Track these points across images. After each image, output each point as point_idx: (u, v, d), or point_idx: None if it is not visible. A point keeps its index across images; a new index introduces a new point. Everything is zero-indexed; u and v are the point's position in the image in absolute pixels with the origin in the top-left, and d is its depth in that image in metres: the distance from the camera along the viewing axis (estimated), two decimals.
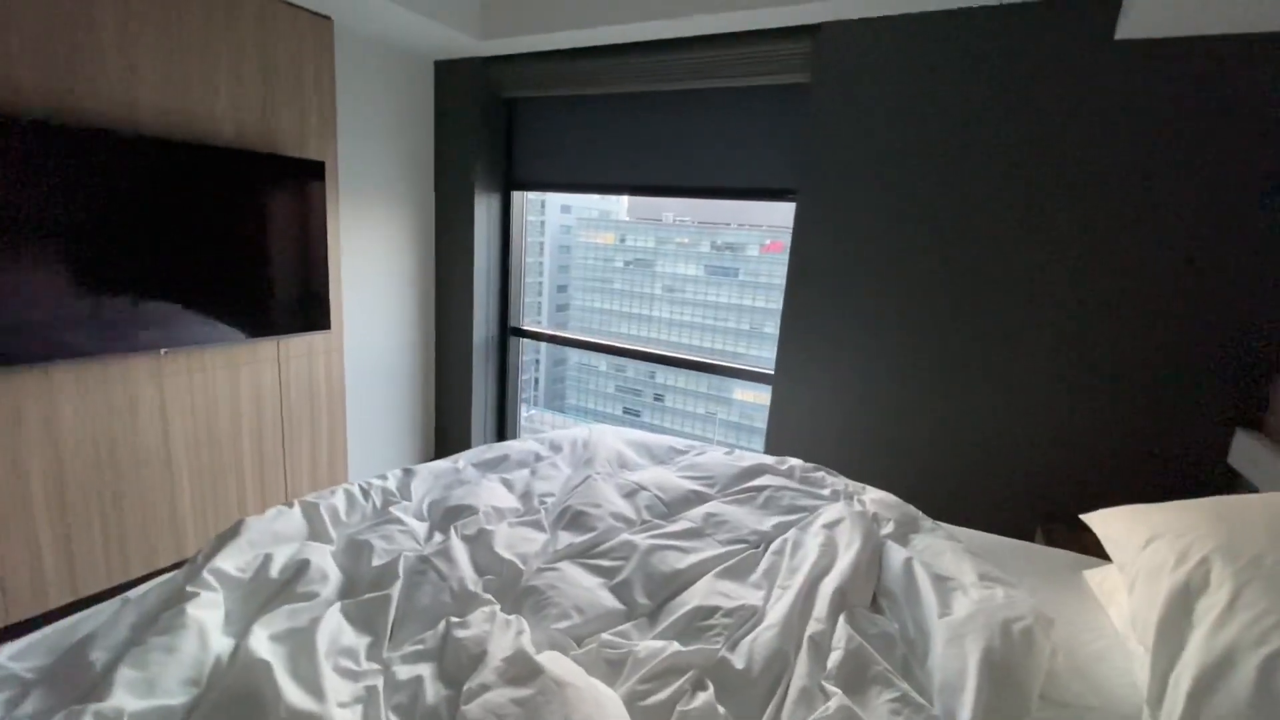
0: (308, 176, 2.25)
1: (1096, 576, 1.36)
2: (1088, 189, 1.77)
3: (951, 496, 2.04)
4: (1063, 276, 1.83)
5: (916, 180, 1.97)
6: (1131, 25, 1.63)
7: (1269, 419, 1.63)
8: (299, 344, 2.38)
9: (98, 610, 1.01)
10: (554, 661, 0.85)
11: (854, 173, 2.06)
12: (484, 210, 2.89)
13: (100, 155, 1.73)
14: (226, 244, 2.07)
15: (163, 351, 1.97)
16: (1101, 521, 1.28)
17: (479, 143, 2.80)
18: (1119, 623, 1.19)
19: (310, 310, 2.35)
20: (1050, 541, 1.72)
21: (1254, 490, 1.54)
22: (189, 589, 0.98)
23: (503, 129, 2.89)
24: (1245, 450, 1.62)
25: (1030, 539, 1.72)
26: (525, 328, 3.16)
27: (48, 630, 0.95)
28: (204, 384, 2.12)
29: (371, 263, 2.73)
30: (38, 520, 1.78)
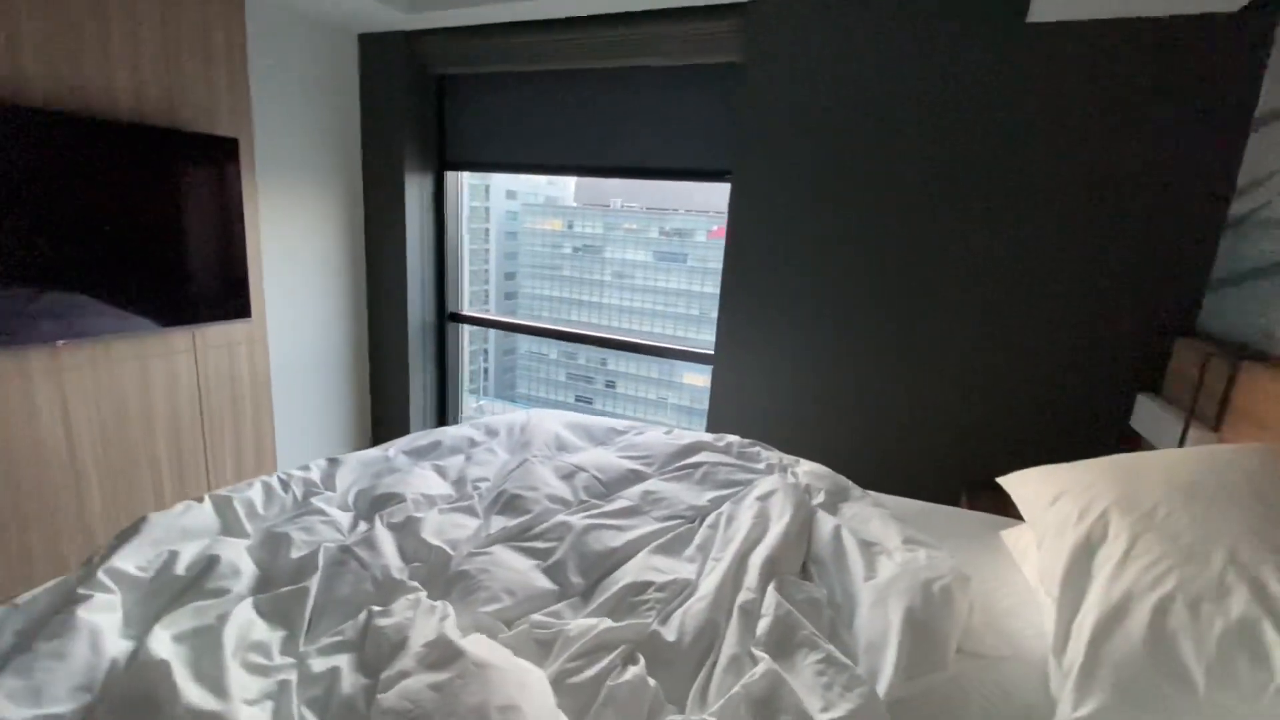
0: (220, 154, 2.11)
1: (1012, 536, 1.43)
2: (1001, 167, 1.84)
3: (881, 467, 2.10)
4: (979, 253, 1.90)
5: (842, 161, 2.01)
6: (1042, 9, 1.69)
7: (1168, 382, 1.75)
8: (216, 334, 2.25)
9: None
10: (476, 644, 0.83)
11: (785, 153, 2.08)
12: (415, 191, 2.80)
13: None
14: (130, 227, 1.92)
15: (60, 343, 1.82)
16: (1015, 483, 1.34)
17: (408, 121, 2.69)
18: (1031, 578, 1.26)
19: (228, 298, 2.22)
20: (973, 506, 1.80)
21: (1153, 449, 1.65)
22: (80, 591, 0.92)
23: (434, 107, 2.78)
24: (1146, 412, 1.72)
25: (956, 504, 1.80)
26: (465, 313, 3.08)
27: None
28: (110, 378, 1.97)
29: (295, 247, 2.60)
30: None
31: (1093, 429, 1.88)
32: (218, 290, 2.18)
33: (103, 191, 1.84)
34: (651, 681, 0.92)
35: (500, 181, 3.26)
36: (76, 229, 1.80)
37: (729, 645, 1.00)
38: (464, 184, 3.04)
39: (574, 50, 2.37)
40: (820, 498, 1.49)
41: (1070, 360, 1.87)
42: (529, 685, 0.76)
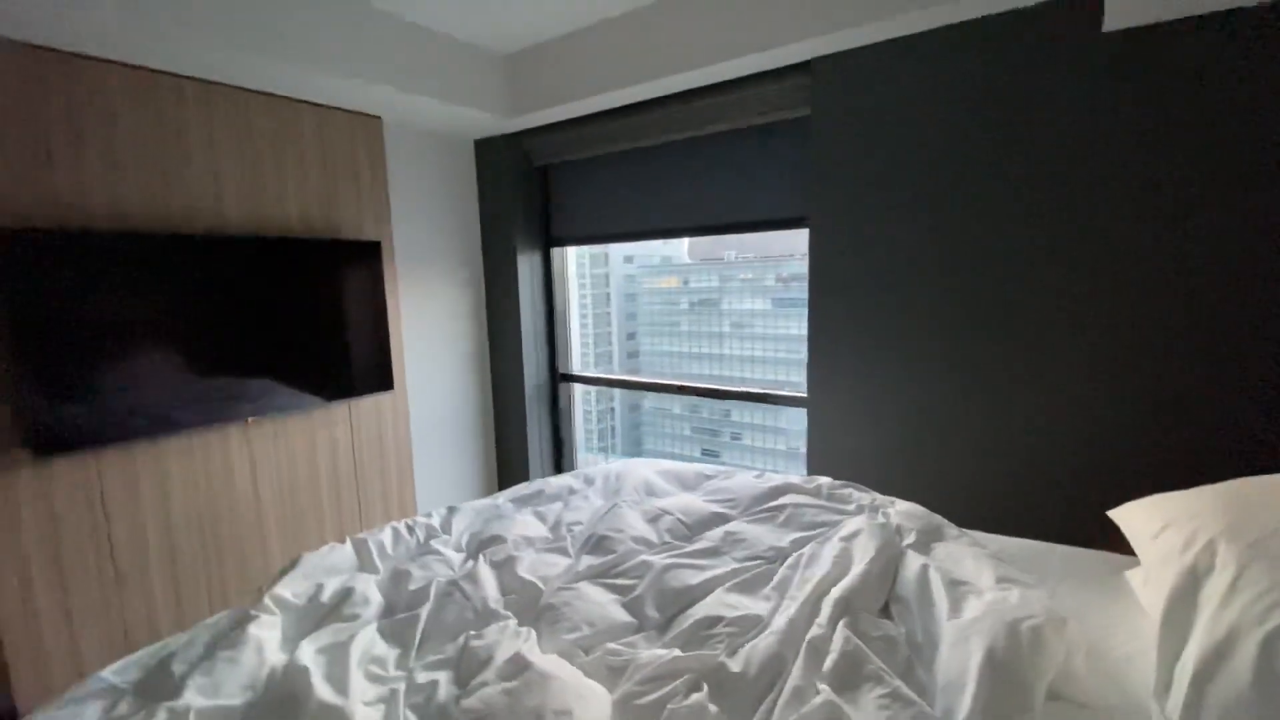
0: (367, 255, 2.54)
1: (1138, 577, 1.29)
2: (1091, 185, 1.74)
3: (995, 506, 1.96)
4: (1083, 265, 1.78)
5: (922, 196, 2.00)
6: (1117, 15, 1.63)
7: None
8: (367, 404, 2.64)
9: (182, 635, 1.18)
10: (545, 660, 0.94)
11: (859, 194, 2.11)
12: (526, 268, 3.13)
13: (195, 255, 2.05)
14: (301, 322, 2.36)
15: (249, 420, 2.25)
16: (1124, 515, 1.24)
17: (518, 208, 3.05)
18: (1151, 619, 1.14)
19: (376, 374, 2.61)
20: (1112, 548, 1.63)
21: None
22: (251, 612, 1.15)
23: (538, 192, 3.14)
24: None
25: (1091, 544, 1.63)
26: (573, 373, 3.32)
27: (143, 651, 1.13)
28: (286, 445, 2.39)
29: (430, 326, 2.99)
30: (153, 575, 2.05)
31: (1242, 452, 1.64)
32: (368, 369, 2.58)
33: (278, 295, 2.28)
34: (713, 708, 0.96)
35: (618, 249, 3.52)
36: (261, 326, 2.24)
37: (794, 678, 1.02)
38: (569, 257, 3.34)
39: (656, 127, 2.59)
40: (911, 538, 1.45)
41: (1217, 374, 1.67)
42: (586, 698, 0.85)
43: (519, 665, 0.91)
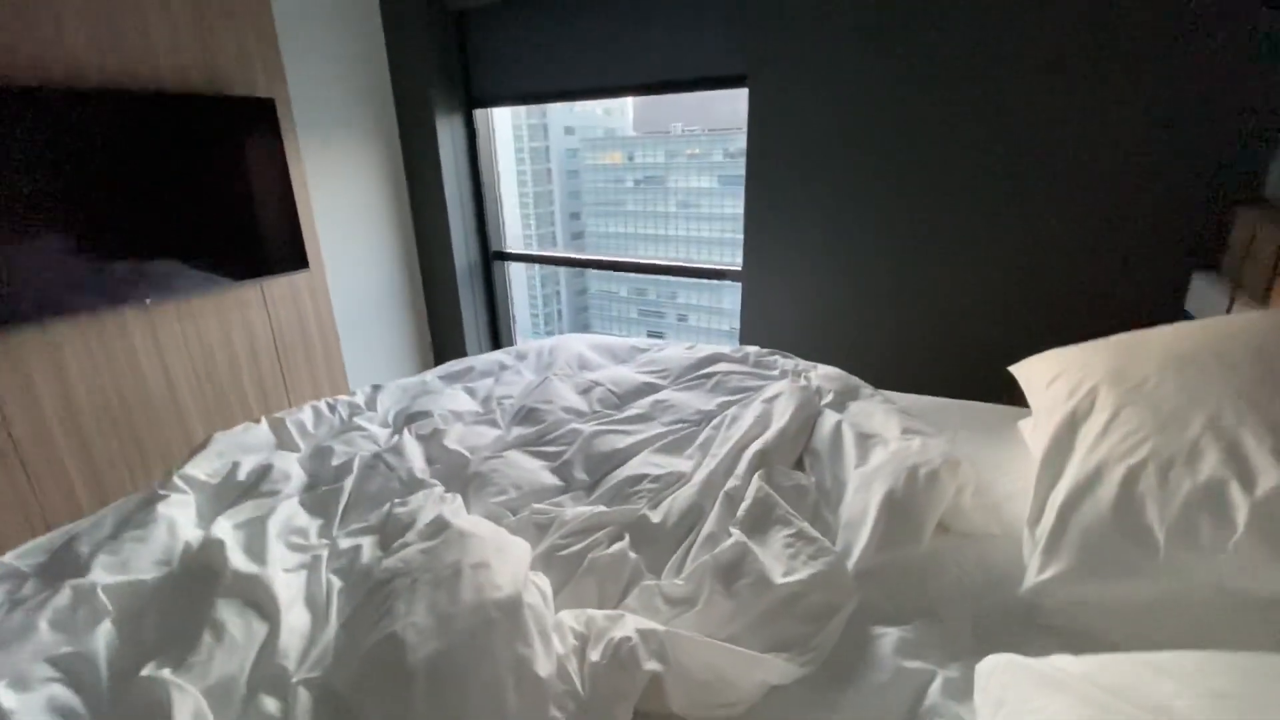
0: (261, 115, 2.26)
1: (1029, 425, 1.40)
2: (1035, 35, 1.68)
3: (917, 371, 2.07)
4: (1015, 124, 1.77)
5: (873, 60, 1.88)
6: None
7: (1227, 258, 1.60)
8: (282, 285, 2.47)
9: (88, 519, 1.14)
10: (466, 520, 0.95)
11: (802, 50, 1.98)
12: (447, 133, 2.87)
13: (44, 115, 1.77)
14: (191, 193, 2.12)
15: (148, 302, 2.08)
16: (1023, 370, 1.31)
17: (431, 60, 2.74)
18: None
19: (287, 252, 2.42)
20: (1014, 403, 1.75)
21: None
22: (160, 491, 1.11)
23: (455, 44, 2.81)
24: (1202, 294, 1.60)
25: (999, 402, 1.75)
26: (509, 251, 3.19)
27: (47, 536, 1.09)
28: (195, 329, 2.24)
29: (343, 199, 2.76)
30: (69, 470, 1.96)
31: (1144, 315, 1.75)
32: (277, 245, 2.39)
33: (161, 161, 2.03)
34: (632, 555, 1.02)
35: (557, 118, 3.26)
36: (145, 198, 2.01)
37: (709, 525, 1.08)
38: (497, 121, 3.08)
39: None
40: (829, 398, 1.51)
41: (1121, 240, 1.74)
42: (505, 550, 0.87)
43: (439, 526, 0.92)
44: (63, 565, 0.96)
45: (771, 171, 2.14)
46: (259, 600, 0.85)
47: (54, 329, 1.89)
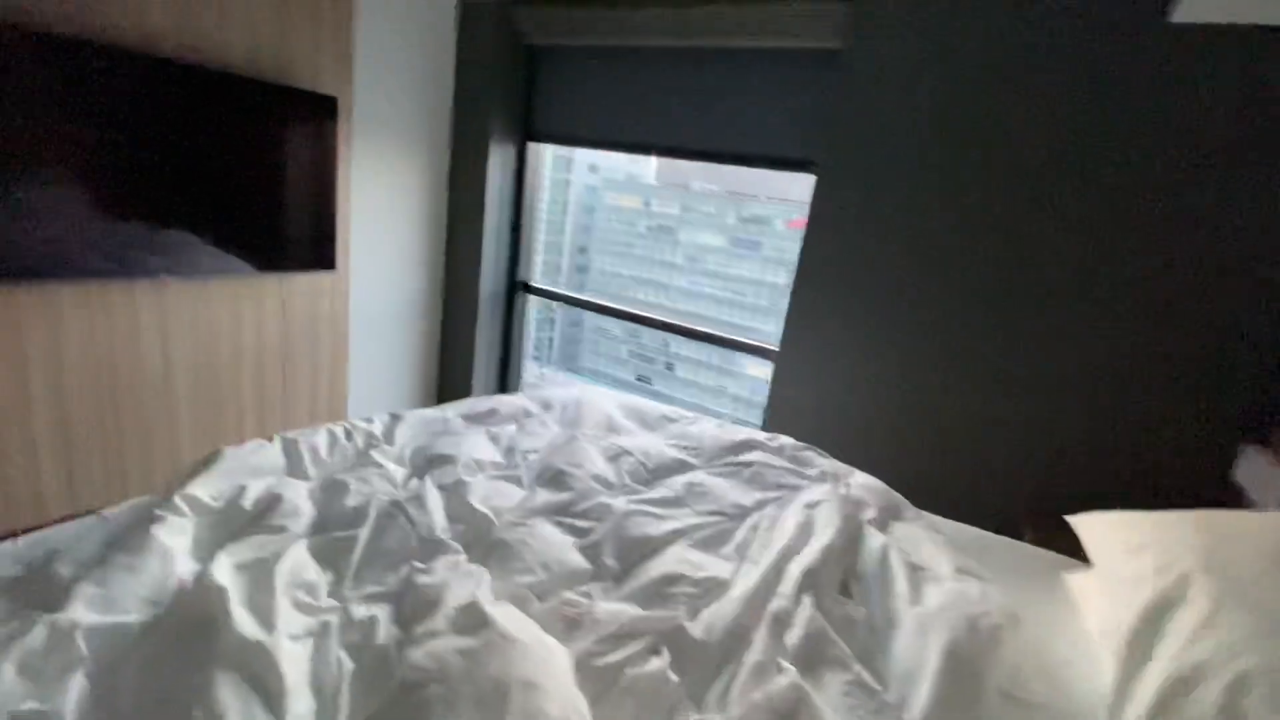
0: (320, 111, 2.21)
1: (1077, 580, 1.33)
2: (1123, 172, 1.69)
3: (942, 487, 2.00)
4: (1088, 266, 1.75)
5: (946, 162, 1.89)
6: (1187, 10, 1.52)
7: (1276, 436, 1.57)
8: (304, 282, 2.38)
9: (71, 526, 1.02)
10: (505, 615, 0.85)
11: (880, 149, 1.97)
12: (499, 161, 2.84)
13: (109, 72, 1.70)
14: (234, 175, 2.05)
15: (165, 278, 1.97)
16: (1087, 525, 1.25)
17: (498, 90, 2.73)
18: (1092, 628, 1.17)
19: (317, 250, 2.34)
20: (1037, 541, 1.69)
21: (1253, 508, 1.50)
22: (157, 512, 1.00)
23: (523, 77, 2.81)
24: (1253, 467, 1.56)
25: (1017, 536, 1.69)
26: (535, 284, 3.13)
27: (20, 541, 0.97)
28: (206, 314, 2.13)
29: (382, 207, 2.70)
30: (38, 435, 1.82)
31: (1185, 477, 1.72)
32: (308, 241, 2.30)
33: (211, 139, 1.96)
34: (674, 677, 0.92)
35: (583, 156, 3.26)
36: (186, 172, 1.93)
37: (755, 651, 0.98)
38: (545, 156, 3.07)
39: (667, 26, 2.32)
40: (871, 513, 1.43)
41: (1173, 396, 1.71)
42: (551, 665, 0.77)
43: (475, 619, 0.82)
44: (39, 588, 0.84)
45: (827, 258, 2.12)
46: (263, 679, 0.73)
47: (58, 291, 1.77)
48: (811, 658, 0.97)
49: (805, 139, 2.19)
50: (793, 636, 1.01)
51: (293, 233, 2.25)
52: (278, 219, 2.20)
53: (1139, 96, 1.64)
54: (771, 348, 2.36)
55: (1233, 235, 1.59)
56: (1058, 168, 1.75)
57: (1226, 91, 1.55)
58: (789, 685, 0.88)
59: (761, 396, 2.66)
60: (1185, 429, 1.71)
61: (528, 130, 2.90)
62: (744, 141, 2.35)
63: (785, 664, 0.95)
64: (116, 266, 1.84)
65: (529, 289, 3.13)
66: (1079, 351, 1.79)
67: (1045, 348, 1.83)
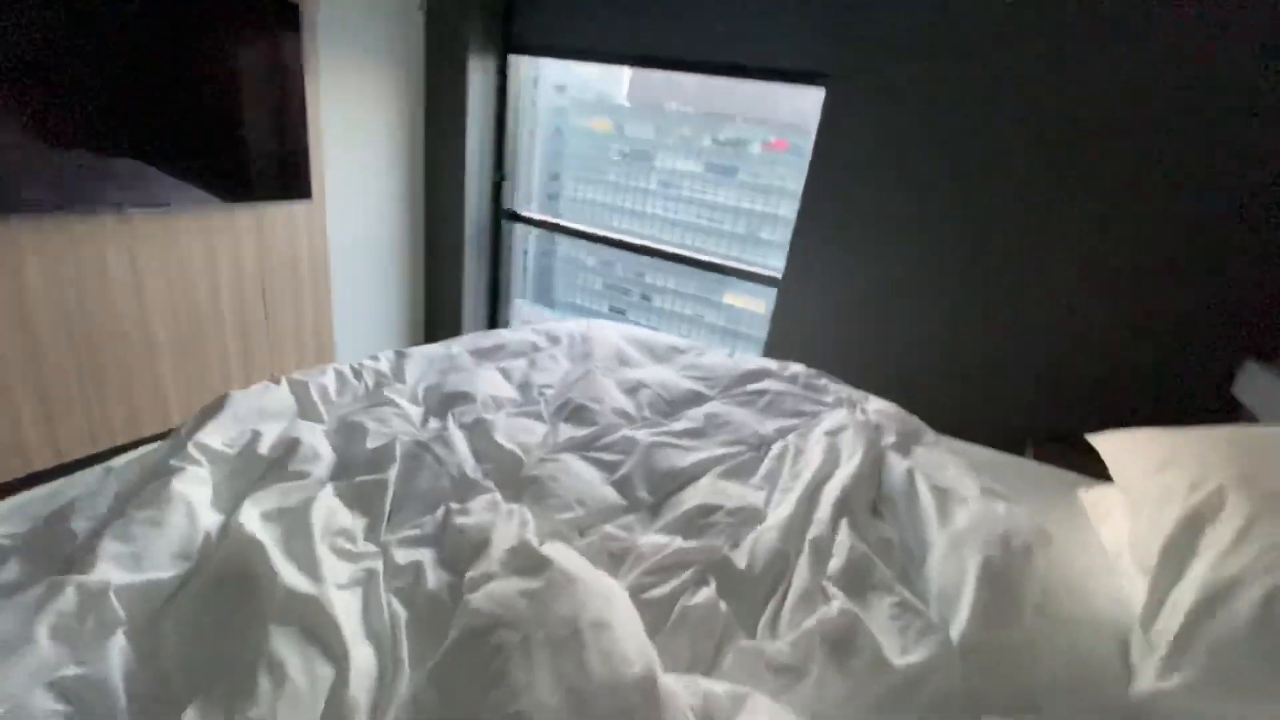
0: (282, 21, 1.99)
1: (1092, 496, 1.37)
2: (1131, 106, 1.62)
3: (948, 411, 2.02)
4: (1094, 192, 1.72)
5: (964, 75, 1.79)
6: None
7: None
8: (278, 214, 2.22)
9: (79, 479, 0.96)
10: (560, 554, 0.83)
11: (897, 62, 1.86)
12: (479, 76, 2.63)
13: None
14: (189, 95, 1.86)
15: (130, 211, 1.81)
16: (1107, 443, 1.27)
17: None
18: (1110, 543, 1.21)
19: (288, 178, 2.17)
20: (1040, 460, 1.73)
21: (1255, 422, 1.54)
22: (173, 463, 0.93)
23: None
24: (1254, 381, 1.59)
25: (1020, 455, 1.73)
26: (523, 213, 2.99)
27: (26, 496, 0.91)
28: (177, 250, 1.98)
29: (355, 130, 2.50)
30: (13, 382, 1.71)
31: (1183, 395, 1.76)
32: (279, 169, 2.13)
33: (162, 55, 1.76)
34: (723, 605, 0.92)
35: (549, 74, 3.04)
36: (136, 94, 1.74)
37: (800, 578, 0.99)
38: (525, 73, 2.86)
39: None
40: (891, 438, 1.44)
41: (1174, 315, 1.72)
42: (613, 600, 0.76)
43: (533, 560, 0.79)
44: (56, 545, 0.79)
45: (836, 180, 2.04)
46: (321, 632, 0.70)
47: (16, 224, 1.62)
48: (856, 583, 0.98)
49: (817, 49, 2.05)
50: (835, 563, 1.01)
51: (259, 160, 2.08)
52: (241, 145, 2.02)
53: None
54: (773, 274, 2.30)
55: (1242, 158, 1.56)
56: (1066, 99, 1.68)
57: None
58: (840, 611, 0.89)
59: (737, 326, 2.63)
60: (1187, 346, 1.73)
61: (508, 41, 2.68)
62: (748, 52, 2.20)
63: (831, 589, 0.96)
64: (68, 199, 1.68)
65: (516, 217, 2.99)
66: (1084, 275, 1.78)
67: (1052, 273, 1.82)
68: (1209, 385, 1.72)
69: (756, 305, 3.02)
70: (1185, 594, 0.90)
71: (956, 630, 0.93)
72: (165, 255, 1.95)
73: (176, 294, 2.01)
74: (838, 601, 0.91)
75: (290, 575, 0.76)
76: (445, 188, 2.81)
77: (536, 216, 2.99)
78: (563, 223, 2.97)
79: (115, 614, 0.70)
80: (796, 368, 1.76)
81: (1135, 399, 1.81)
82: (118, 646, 0.67)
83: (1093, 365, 1.84)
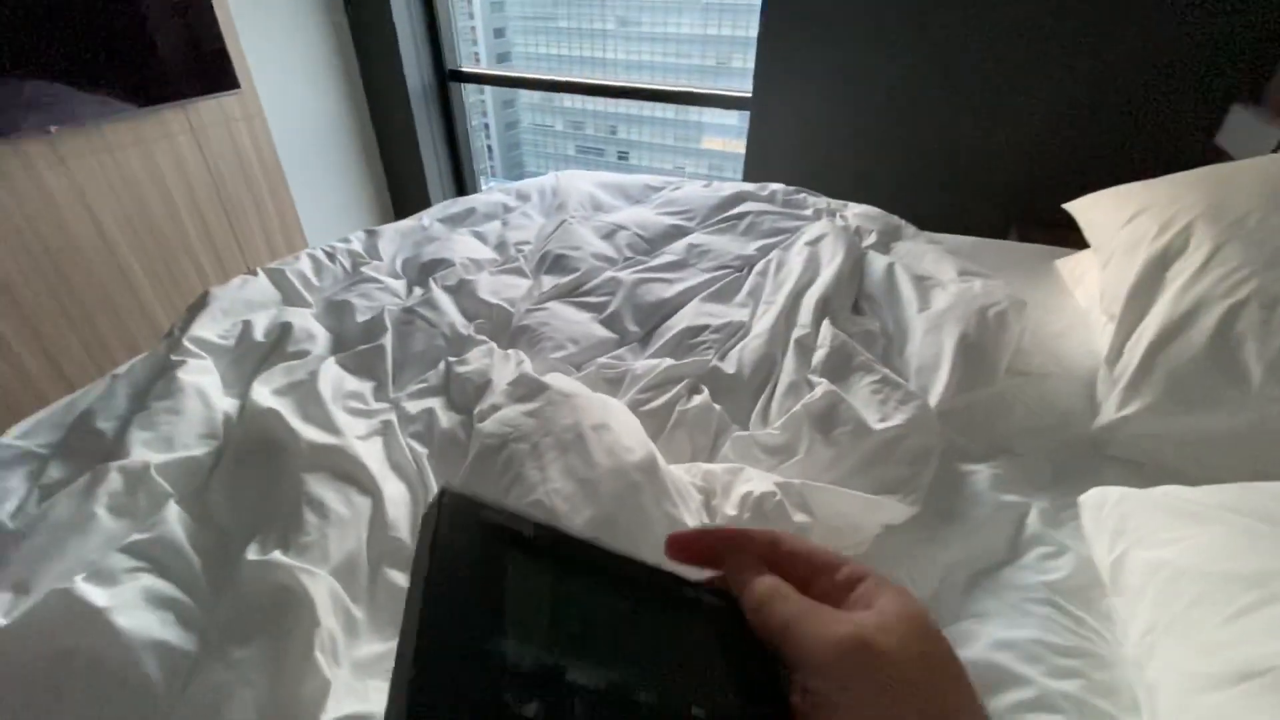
0: None
1: (1069, 264, 1.40)
2: None
3: (932, 208, 2.02)
4: None
5: None
6: None
7: (1272, 90, 1.55)
8: (209, 110, 2.08)
9: (88, 389, 1.00)
10: (556, 379, 0.88)
11: None
12: None
13: None
14: (90, 4, 1.67)
15: (53, 129, 1.70)
16: (1083, 207, 1.27)
17: None
18: (1085, 301, 1.26)
19: (209, 68, 2.00)
20: (1025, 240, 1.75)
21: None
22: (174, 358, 0.97)
23: None
24: (1240, 126, 1.56)
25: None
26: (466, 70, 2.78)
27: (44, 412, 0.95)
28: (117, 169, 1.88)
29: (271, 5, 2.26)
30: (4, 330, 1.71)
31: (1168, 149, 1.73)
32: (196, 62, 1.96)
33: None
34: (716, 406, 0.99)
35: None
36: (34, 13, 1.57)
37: (787, 374, 1.05)
38: None
39: None
40: (872, 239, 1.45)
41: (1153, 70, 1.65)
42: (610, 408, 0.82)
43: (531, 387, 0.84)
44: (86, 444, 0.84)
45: None
46: (350, 472, 0.77)
47: None
48: (839, 369, 1.04)
49: None
50: (818, 356, 1.07)
51: (174, 56, 1.91)
52: (150, 44, 1.85)
53: None
54: (742, 94, 2.18)
55: None
56: None
57: None
58: (824, 392, 0.96)
59: (721, 171, 2.53)
60: (1172, 99, 1.67)
61: None
62: None
63: (815, 378, 1.02)
64: None
65: (461, 76, 2.78)
66: (1060, 41, 1.68)
67: (1019, 46, 1.71)
68: (1196, 136, 1.68)
69: (737, 145, 2.89)
70: (1148, 328, 0.95)
71: (935, 397, 1.00)
72: (107, 175, 1.86)
73: (131, 213, 1.94)
74: (821, 386, 0.98)
75: (311, 432, 0.82)
76: (378, 55, 2.59)
77: (485, 71, 2.78)
78: (513, 74, 2.77)
79: (162, 487, 0.77)
80: (775, 187, 1.73)
81: (1120, 168, 1.78)
82: (173, 512, 0.74)
83: (1078, 138, 1.79)
